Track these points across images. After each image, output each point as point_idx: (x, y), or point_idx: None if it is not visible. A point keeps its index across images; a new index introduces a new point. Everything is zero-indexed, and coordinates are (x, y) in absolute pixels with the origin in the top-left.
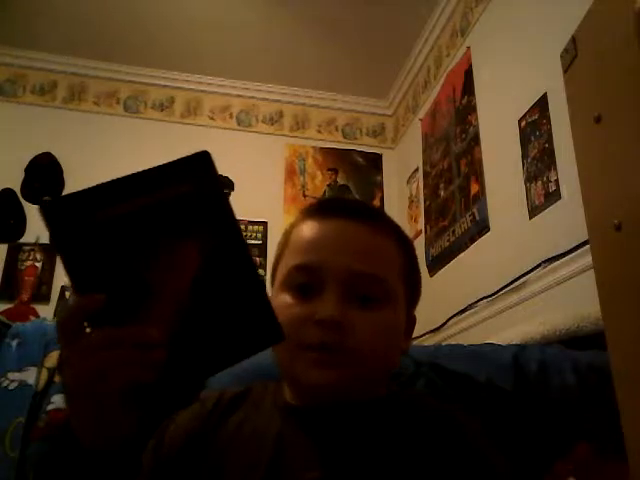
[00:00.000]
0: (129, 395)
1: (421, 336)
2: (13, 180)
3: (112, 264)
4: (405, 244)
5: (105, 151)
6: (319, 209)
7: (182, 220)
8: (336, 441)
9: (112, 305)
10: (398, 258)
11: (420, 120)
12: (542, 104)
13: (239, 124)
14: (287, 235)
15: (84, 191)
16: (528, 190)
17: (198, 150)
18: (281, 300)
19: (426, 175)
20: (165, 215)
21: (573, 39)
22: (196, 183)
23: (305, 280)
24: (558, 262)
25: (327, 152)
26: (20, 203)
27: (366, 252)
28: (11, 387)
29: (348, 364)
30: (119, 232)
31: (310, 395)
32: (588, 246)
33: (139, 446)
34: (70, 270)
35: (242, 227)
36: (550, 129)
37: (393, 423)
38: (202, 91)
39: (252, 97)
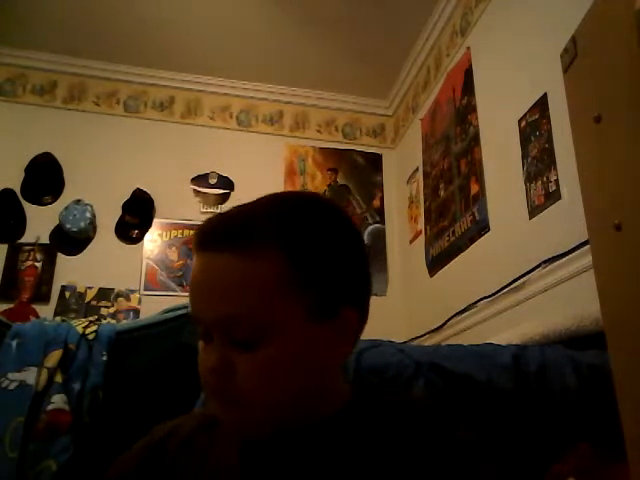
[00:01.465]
0: None
1: (421, 336)
2: (13, 180)
3: None
4: (295, 250)
5: (105, 151)
6: (194, 242)
7: None
8: (286, 469)
9: None
10: (276, 276)
11: (420, 120)
12: (542, 104)
13: (239, 124)
14: None
15: None
16: (528, 190)
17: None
18: (199, 348)
19: (426, 175)
20: None
21: (573, 39)
22: None
23: (201, 329)
24: (558, 262)
25: (327, 152)
26: (20, 203)
27: (228, 290)
28: (11, 387)
29: (242, 407)
30: None
31: (230, 432)
32: (588, 246)
33: None
34: None
35: None
36: (550, 129)
37: (345, 440)
38: (202, 91)
39: (252, 97)
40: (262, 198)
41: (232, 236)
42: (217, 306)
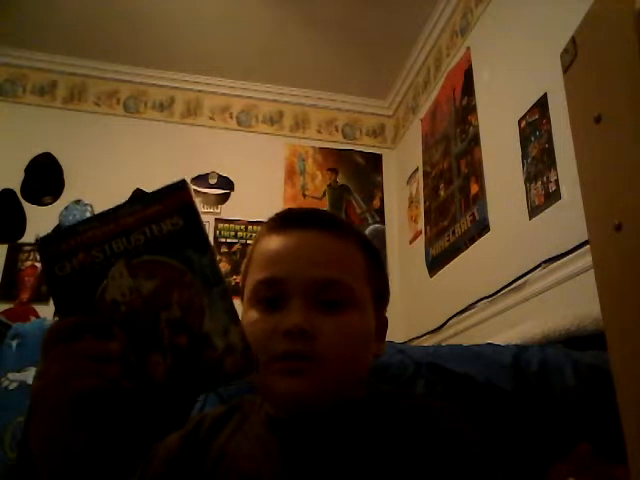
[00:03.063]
0: (83, 406)
1: (421, 336)
2: (13, 180)
3: (92, 284)
4: (368, 249)
5: (105, 151)
6: (279, 222)
7: (165, 241)
8: (317, 450)
9: (86, 325)
10: (361, 263)
11: (420, 120)
12: (542, 104)
13: (239, 124)
14: (250, 252)
15: (71, 225)
16: (528, 190)
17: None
18: (249, 316)
19: (426, 175)
20: (147, 236)
21: (573, 39)
22: (171, 205)
23: (270, 294)
24: (558, 262)
25: (327, 152)
26: (20, 203)
27: (327, 259)
28: (11, 387)
29: (316, 370)
30: (101, 253)
31: (283, 405)
32: (588, 246)
33: (95, 468)
34: (53, 295)
35: (242, 227)
36: (550, 129)
37: (372, 426)
38: (202, 91)
39: (252, 97)
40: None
41: (332, 221)
42: (321, 269)
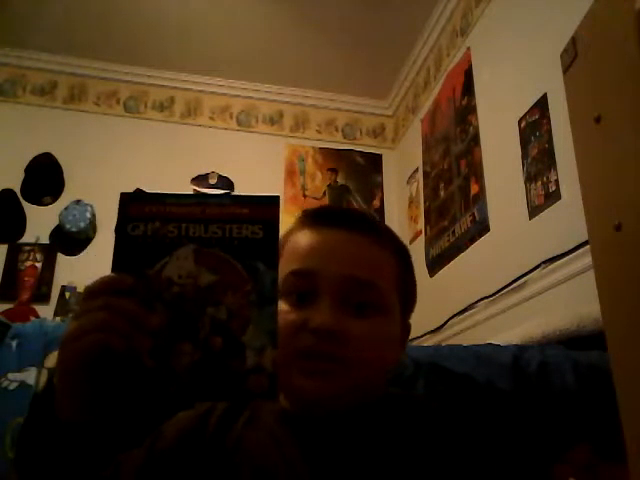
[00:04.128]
0: (102, 363)
1: (421, 336)
2: (13, 180)
3: (156, 255)
4: (402, 256)
5: (105, 151)
6: (316, 218)
7: (239, 245)
8: (330, 448)
9: (137, 289)
10: (394, 269)
11: (420, 120)
12: (542, 104)
13: (239, 124)
14: (283, 242)
15: (160, 194)
16: (528, 190)
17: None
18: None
19: (426, 175)
20: (224, 232)
21: (573, 39)
22: (258, 214)
23: (301, 286)
24: (558, 262)
25: (327, 152)
26: (20, 203)
27: (361, 261)
28: (11, 387)
29: (342, 373)
30: (177, 229)
31: (303, 404)
32: (588, 246)
33: (117, 425)
34: (117, 249)
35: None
36: (550, 129)
37: (388, 426)
38: (202, 91)
39: (252, 97)
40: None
41: (371, 226)
42: (359, 269)
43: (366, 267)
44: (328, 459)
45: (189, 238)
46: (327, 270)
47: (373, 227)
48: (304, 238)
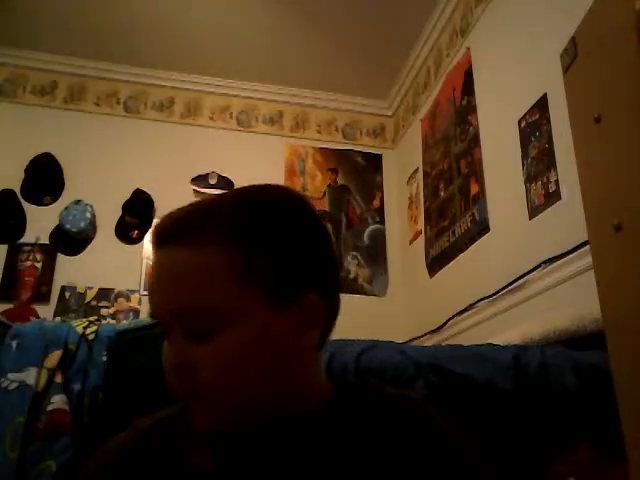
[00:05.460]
0: None
1: (421, 336)
2: (13, 180)
3: None
4: (247, 236)
5: (105, 151)
6: (151, 239)
7: None
8: (265, 468)
9: None
10: (230, 263)
11: (420, 120)
12: (542, 104)
13: (239, 124)
14: None
15: None
16: (528, 190)
17: None
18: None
19: (426, 175)
20: None
21: (573, 39)
22: None
23: (161, 326)
24: (558, 262)
25: (327, 152)
26: (20, 203)
27: (176, 284)
28: (11, 387)
29: (209, 406)
30: None
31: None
32: (588, 246)
33: None
34: None
35: None
36: (550, 129)
37: (323, 438)
38: (202, 91)
39: (252, 97)
40: (220, 194)
41: (179, 229)
42: (170, 299)
43: (183, 290)
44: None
45: None
46: (158, 308)
47: (188, 229)
48: (151, 268)
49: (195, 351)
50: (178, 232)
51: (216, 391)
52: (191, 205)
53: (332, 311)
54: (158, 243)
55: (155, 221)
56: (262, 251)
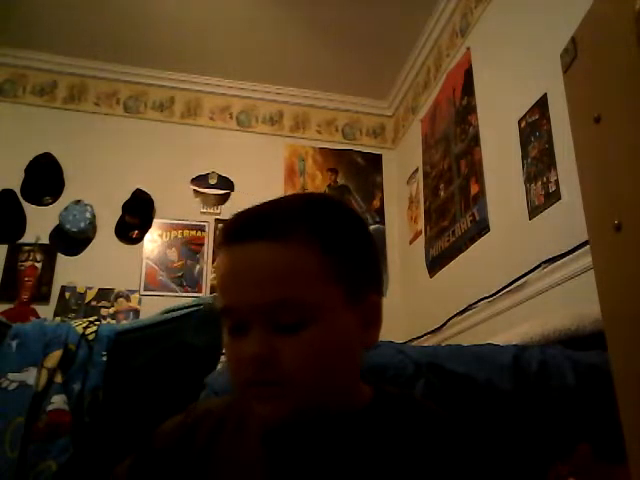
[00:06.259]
0: None
1: (421, 336)
2: (13, 180)
3: None
4: (328, 239)
5: (105, 151)
6: (224, 237)
7: None
8: (310, 459)
9: None
10: (316, 262)
11: (420, 121)
12: (542, 104)
13: (239, 124)
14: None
15: None
16: (528, 190)
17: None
18: (224, 340)
19: (426, 175)
20: None
21: (573, 39)
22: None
23: (232, 321)
24: (558, 262)
25: (327, 152)
26: (20, 203)
27: (269, 277)
28: (11, 387)
29: (285, 395)
30: None
31: (266, 427)
32: (588, 246)
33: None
34: None
35: None
36: (550, 129)
37: (372, 435)
38: (202, 91)
39: (252, 97)
40: (285, 196)
41: (270, 225)
42: (263, 292)
43: (276, 283)
44: (306, 474)
45: None
46: (242, 303)
47: (275, 228)
48: (220, 265)
49: (279, 343)
50: (266, 229)
51: (296, 381)
52: (269, 204)
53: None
54: (239, 238)
55: (230, 216)
56: (341, 254)
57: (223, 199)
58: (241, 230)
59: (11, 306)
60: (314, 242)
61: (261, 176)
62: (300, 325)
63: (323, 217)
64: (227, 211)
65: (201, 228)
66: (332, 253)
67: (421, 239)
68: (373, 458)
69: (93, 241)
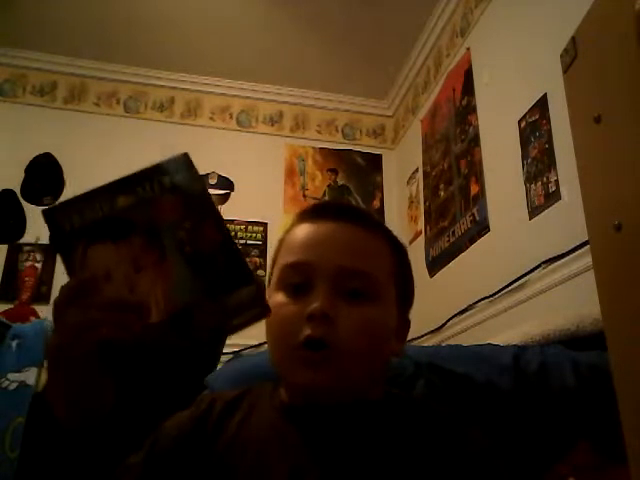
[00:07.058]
0: (104, 358)
1: (421, 336)
2: (13, 180)
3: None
4: (397, 247)
5: (105, 151)
6: (312, 212)
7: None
8: (332, 441)
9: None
10: (389, 259)
11: (420, 121)
12: (542, 104)
13: (239, 124)
14: (281, 239)
15: (77, 196)
16: (528, 190)
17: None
18: (275, 299)
19: (426, 176)
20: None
21: (573, 39)
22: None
23: (297, 279)
24: (558, 262)
25: (327, 152)
26: (20, 203)
27: (355, 250)
28: (11, 387)
29: (334, 360)
30: (105, 225)
31: (302, 394)
32: (588, 247)
33: (118, 428)
34: (64, 260)
35: (242, 228)
36: (550, 129)
37: (389, 426)
38: (202, 91)
39: (252, 97)
40: None
41: (365, 216)
42: (352, 258)
43: (359, 256)
44: (326, 454)
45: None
46: (321, 261)
47: (367, 219)
48: (300, 232)
49: (343, 307)
50: (362, 218)
51: (346, 347)
52: (351, 204)
53: None
54: (334, 216)
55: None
56: (401, 267)
57: (223, 199)
58: (337, 211)
59: (11, 306)
60: (389, 244)
61: (261, 176)
62: (366, 297)
63: (397, 241)
64: (227, 211)
65: None
66: (397, 261)
67: (421, 239)
68: (390, 446)
69: None
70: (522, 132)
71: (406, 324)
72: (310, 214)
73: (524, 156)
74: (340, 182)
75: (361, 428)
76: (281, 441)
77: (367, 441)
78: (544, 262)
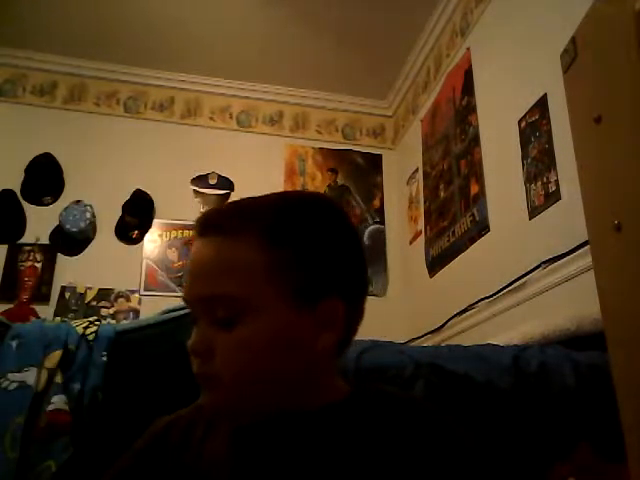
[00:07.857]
0: None
1: (421, 336)
2: (13, 180)
3: None
4: (279, 240)
5: (105, 151)
6: (195, 228)
7: None
8: (265, 458)
9: None
10: (260, 260)
11: (420, 121)
12: (542, 105)
13: (239, 124)
14: None
15: None
16: (528, 190)
17: None
18: None
19: (426, 176)
20: None
21: (573, 39)
22: None
23: (191, 313)
24: (558, 262)
25: (327, 152)
26: (20, 203)
27: (209, 272)
28: (11, 388)
29: (220, 388)
30: None
31: (209, 415)
32: (588, 247)
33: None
34: None
35: None
36: (550, 130)
37: (328, 435)
38: (202, 91)
39: (252, 97)
40: (264, 194)
41: (217, 222)
42: (202, 286)
43: (214, 278)
44: (271, 470)
45: None
46: (190, 294)
47: (231, 224)
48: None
49: (217, 338)
50: (216, 225)
51: (228, 377)
52: (235, 202)
53: (354, 318)
54: (198, 233)
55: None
56: (290, 252)
57: (223, 199)
58: (202, 225)
59: (11, 306)
60: (261, 241)
61: (261, 176)
62: (234, 321)
63: (280, 216)
64: None
65: None
66: (280, 252)
67: (421, 239)
68: (334, 455)
69: (93, 241)
70: (522, 132)
71: (327, 310)
72: (195, 231)
73: (524, 156)
74: (340, 182)
75: (293, 441)
76: (228, 461)
77: (298, 453)
78: (544, 262)
